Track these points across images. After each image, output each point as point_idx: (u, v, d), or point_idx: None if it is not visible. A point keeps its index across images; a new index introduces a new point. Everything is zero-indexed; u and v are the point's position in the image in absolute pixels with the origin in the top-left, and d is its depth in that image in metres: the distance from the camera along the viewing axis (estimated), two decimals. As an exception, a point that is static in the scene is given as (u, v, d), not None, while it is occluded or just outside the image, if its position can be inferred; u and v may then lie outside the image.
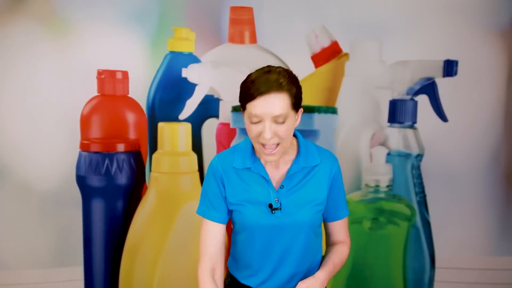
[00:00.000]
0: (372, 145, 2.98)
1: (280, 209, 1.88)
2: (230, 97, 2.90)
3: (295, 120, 1.85)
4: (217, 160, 1.93)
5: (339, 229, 2.00)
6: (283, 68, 1.84)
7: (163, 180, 2.80)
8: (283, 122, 1.80)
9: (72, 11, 3.28)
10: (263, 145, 1.82)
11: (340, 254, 1.99)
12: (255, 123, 1.80)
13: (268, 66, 1.85)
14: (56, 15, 3.27)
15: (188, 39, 3.12)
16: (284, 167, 1.92)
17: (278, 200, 1.89)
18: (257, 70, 1.84)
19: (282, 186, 1.90)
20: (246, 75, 1.86)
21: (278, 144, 1.82)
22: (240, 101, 1.85)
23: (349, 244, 2.04)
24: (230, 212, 1.94)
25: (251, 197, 1.89)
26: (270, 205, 1.88)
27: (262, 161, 1.91)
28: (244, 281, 1.95)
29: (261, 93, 1.77)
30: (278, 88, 1.78)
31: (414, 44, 3.36)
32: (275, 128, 1.80)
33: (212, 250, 1.93)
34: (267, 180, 1.89)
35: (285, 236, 1.88)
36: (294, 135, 1.95)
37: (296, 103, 1.83)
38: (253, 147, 1.92)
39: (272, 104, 1.78)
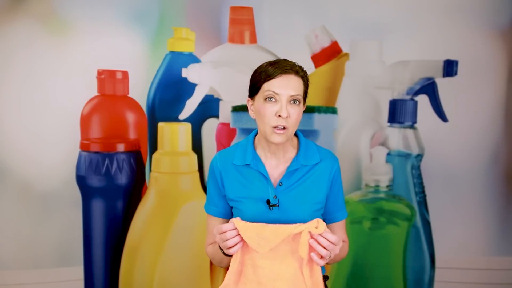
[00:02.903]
0: (372, 145, 2.98)
1: (278, 206, 1.89)
2: (230, 97, 2.90)
3: (302, 111, 1.89)
4: (217, 158, 1.96)
5: (337, 231, 1.99)
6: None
7: (163, 180, 2.80)
8: (297, 105, 1.85)
9: (72, 11, 3.27)
10: (274, 127, 1.84)
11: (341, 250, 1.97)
12: (271, 102, 1.84)
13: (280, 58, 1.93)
14: (56, 15, 3.27)
15: (188, 39, 3.13)
16: (283, 165, 1.93)
17: (276, 197, 1.90)
18: (268, 61, 1.90)
19: (281, 183, 1.91)
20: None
21: (287, 129, 1.85)
22: (252, 86, 1.89)
23: (347, 244, 2.03)
24: (231, 209, 1.97)
25: (250, 193, 1.91)
26: (268, 201, 1.89)
27: (262, 158, 1.93)
28: (245, 281, 1.95)
29: (282, 72, 1.84)
30: (296, 72, 1.86)
31: (414, 44, 3.35)
32: (290, 109, 1.84)
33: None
34: (266, 177, 1.91)
35: None
36: (296, 134, 1.96)
37: (306, 93, 1.89)
38: (253, 145, 1.93)
39: (291, 84, 1.84)
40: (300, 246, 1.79)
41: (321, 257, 1.80)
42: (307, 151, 1.93)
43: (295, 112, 1.85)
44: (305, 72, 1.90)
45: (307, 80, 1.90)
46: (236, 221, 1.81)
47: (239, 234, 1.81)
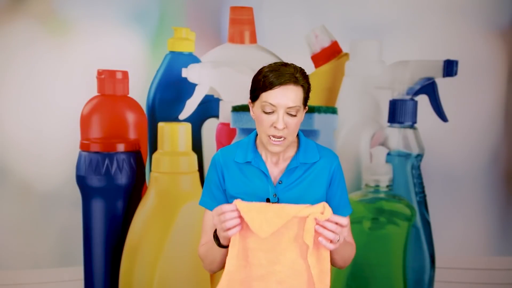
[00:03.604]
0: (372, 145, 2.98)
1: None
2: (230, 97, 2.90)
3: (302, 116, 1.89)
4: (219, 154, 1.97)
5: None
6: (296, 65, 1.89)
7: (163, 180, 2.80)
8: (295, 115, 1.84)
9: (72, 11, 3.28)
10: (271, 137, 1.85)
11: (349, 244, 1.96)
12: (268, 113, 1.84)
13: (282, 61, 1.91)
14: (56, 15, 3.27)
15: (188, 39, 3.12)
16: (284, 163, 1.94)
17: (276, 195, 1.90)
18: (270, 64, 1.88)
19: (281, 181, 1.92)
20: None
21: (284, 139, 1.85)
22: (252, 91, 1.88)
23: (354, 247, 2.01)
24: None
25: (250, 191, 1.92)
26: (268, 200, 1.90)
27: (263, 157, 1.94)
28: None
29: (280, 83, 1.82)
30: (295, 81, 1.83)
31: (414, 44, 3.36)
32: (287, 120, 1.84)
33: (211, 236, 1.94)
34: (266, 175, 1.92)
35: None
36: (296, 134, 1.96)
37: (306, 99, 1.88)
38: (255, 143, 1.95)
39: (289, 95, 1.83)
40: (305, 233, 1.77)
41: (330, 241, 1.78)
42: (306, 150, 1.94)
43: (293, 123, 1.84)
44: (306, 77, 1.87)
45: (308, 86, 1.88)
46: (238, 201, 1.79)
47: (240, 217, 1.79)
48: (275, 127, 1.83)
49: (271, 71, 1.84)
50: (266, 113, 1.84)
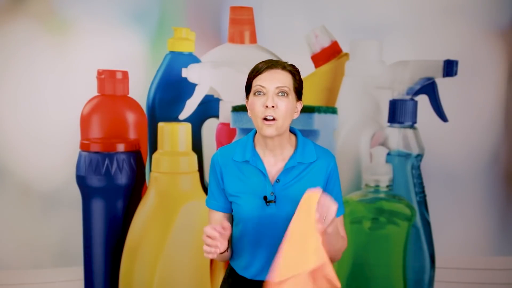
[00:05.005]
0: (372, 145, 2.98)
1: (275, 202, 1.93)
2: (230, 97, 2.90)
3: (295, 106, 1.94)
4: (218, 154, 2.01)
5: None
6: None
7: (163, 180, 2.80)
8: (285, 96, 1.90)
9: (72, 11, 3.28)
10: (263, 119, 1.90)
11: (338, 235, 1.98)
12: (259, 96, 1.91)
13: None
14: (56, 15, 3.27)
15: (188, 39, 3.12)
16: (281, 163, 1.97)
17: (273, 193, 1.93)
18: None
19: (278, 180, 1.95)
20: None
21: (275, 120, 1.90)
22: (246, 84, 1.96)
23: (345, 240, 2.04)
24: (231, 204, 2.00)
25: (248, 189, 1.95)
26: (265, 197, 1.93)
27: (261, 155, 1.96)
28: (241, 273, 2.00)
29: (268, 67, 1.92)
30: (283, 67, 1.93)
31: (414, 44, 3.36)
32: (277, 100, 1.89)
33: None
34: (264, 173, 1.95)
35: (278, 229, 1.92)
36: (294, 133, 2.00)
37: (298, 89, 1.95)
38: (253, 142, 1.98)
39: (277, 77, 1.91)
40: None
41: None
42: (304, 149, 1.97)
43: (283, 104, 1.90)
44: (295, 68, 1.95)
45: (298, 75, 1.95)
46: None
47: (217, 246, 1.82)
48: (266, 106, 1.88)
49: (261, 61, 1.95)
50: (257, 96, 1.91)
